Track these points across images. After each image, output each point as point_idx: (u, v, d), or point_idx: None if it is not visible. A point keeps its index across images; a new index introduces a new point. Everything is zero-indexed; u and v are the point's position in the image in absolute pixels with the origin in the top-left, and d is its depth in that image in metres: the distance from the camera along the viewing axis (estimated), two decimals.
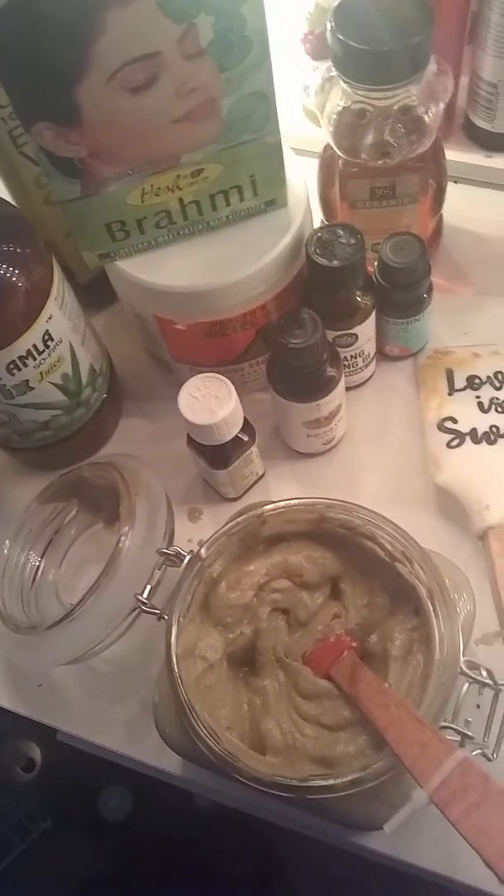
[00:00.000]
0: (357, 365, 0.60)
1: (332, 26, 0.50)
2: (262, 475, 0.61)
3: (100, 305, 0.67)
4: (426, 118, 0.54)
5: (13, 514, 0.61)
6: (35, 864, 1.21)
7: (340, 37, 0.50)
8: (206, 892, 1.16)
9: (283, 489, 0.61)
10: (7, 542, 0.57)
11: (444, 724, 0.42)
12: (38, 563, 0.57)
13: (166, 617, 0.46)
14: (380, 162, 0.55)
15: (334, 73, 0.53)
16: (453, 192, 0.64)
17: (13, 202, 0.58)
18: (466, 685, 0.43)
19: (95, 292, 0.63)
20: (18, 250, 0.49)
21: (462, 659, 0.43)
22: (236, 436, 0.54)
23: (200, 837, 1.18)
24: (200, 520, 0.61)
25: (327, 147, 0.59)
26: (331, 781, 0.41)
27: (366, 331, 0.57)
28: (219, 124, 0.48)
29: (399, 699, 0.43)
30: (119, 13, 0.41)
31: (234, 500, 0.61)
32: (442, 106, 0.55)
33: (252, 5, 0.42)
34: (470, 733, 0.41)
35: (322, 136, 0.59)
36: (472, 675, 0.43)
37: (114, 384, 0.63)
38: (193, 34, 0.42)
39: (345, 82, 0.53)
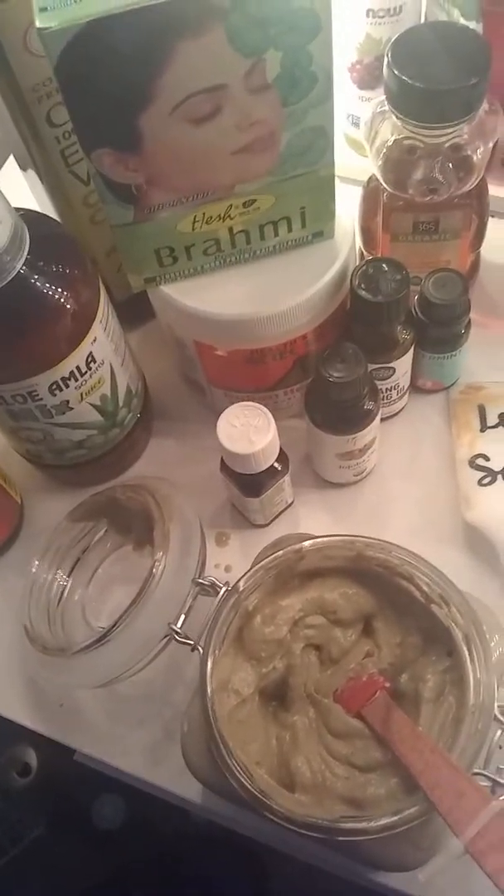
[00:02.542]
0: (391, 397, 0.60)
1: (388, 60, 0.50)
2: (291, 503, 0.61)
3: (133, 324, 0.67)
4: (475, 157, 0.54)
5: (40, 530, 0.61)
6: (26, 871, 1.21)
7: (396, 72, 0.50)
8: None
9: (311, 518, 0.61)
10: (35, 560, 0.57)
11: (476, 771, 0.42)
12: (65, 583, 0.57)
13: (200, 648, 0.46)
14: (427, 198, 0.55)
15: (386, 107, 0.53)
16: (491, 226, 0.63)
17: (58, 219, 0.57)
18: (500, 732, 0.43)
19: (130, 311, 0.63)
20: (68, 272, 0.48)
21: (496, 706, 0.43)
22: (271, 465, 0.54)
23: (194, 849, 1.18)
24: (228, 545, 0.61)
25: (372, 178, 0.59)
26: (364, 824, 0.41)
27: (403, 365, 0.57)
28: (276, 157, 0.48)
29: (433, 744, 0.42)
30: (188, 45, 0.41)
31: (263, 526, 0.61)
32: (491, 145, 0.55)
33: (320, 42, 0.42)
34: (502, 781, 0.41)
35: (365, 165, 0.59)
36: None
37: (147, 404, 0.63)
38: (261, 68, 0.42)
39: (397, 117, 0.53)
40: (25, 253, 0.46)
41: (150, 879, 1.18)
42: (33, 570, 0.56)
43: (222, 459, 0.55)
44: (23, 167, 0.61)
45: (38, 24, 0.38)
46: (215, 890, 1.16)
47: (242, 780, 0.42)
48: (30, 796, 1.24)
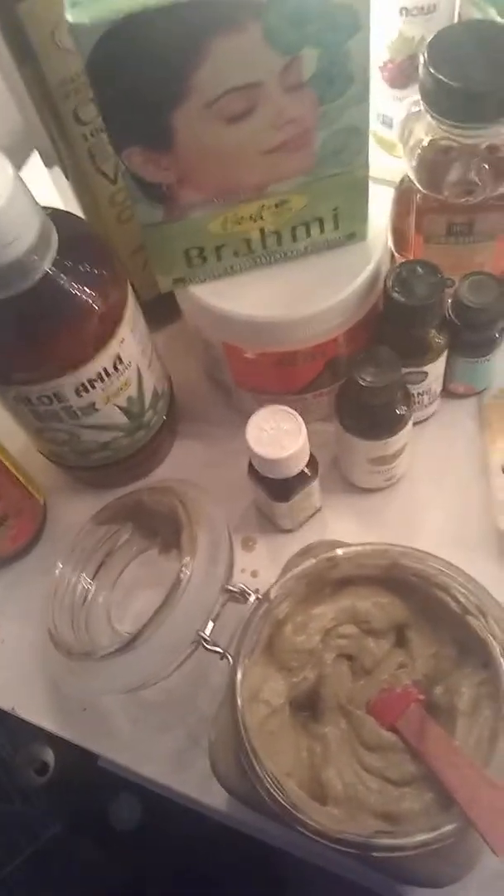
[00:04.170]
0: (423, 402, 0.59)
1: (424, 59, 0.49)
2: (319, 508, 0.60)
3: (159, 324, 0.66)
4: None
5: (63, 531, 0.61)
6: (42, 869, 1.21)
7: (433, 71, 0.49)
8: None
9: (339, 524, 0.60)
10: (59, 563, 0.56)
11: None
12: (89, 586, 0.56)
13: (229, 657, 0.45)
14: (462, 200, 0.54)
15: (421, 106, 0.52)
16: None
17: (84, 218, 0.57)
18: None
19: (155, 311, 0.62)
20: (96, 272, 0.48)
21: None
22: (301, 470, 0.53)
23: (210, 852, 1.17)
24: (254, 549, 0.60)
25: (405, 179, 0.57)
26: (399, 841, 0.40)
27: (436, 369, 0.56)
28: (310, 157, 0.47)
29: (470, 760, 0.41)
30: (224, 42, 0.39)
31: (290, 531, 0.60)
32: None
33: (359, 40, 0.41)
34: None
35: (395, 165, 0.58)
36: None
37: (172, 406, 0.62)
38: (297, 66, 0.41)
39: (433, 117, 0.51)
40: (53, 253, 0.45)
41: (166, 880, 1.17)
42: (57, 572, 0.56)
43: (250, 463, 0.54)
44: (48, 164, 0.60)
45: (69, 19, 0.37)
46: (231, 891, 1.15)
47: (274, 792, 0.41)
48: (47, 795, 1.24)
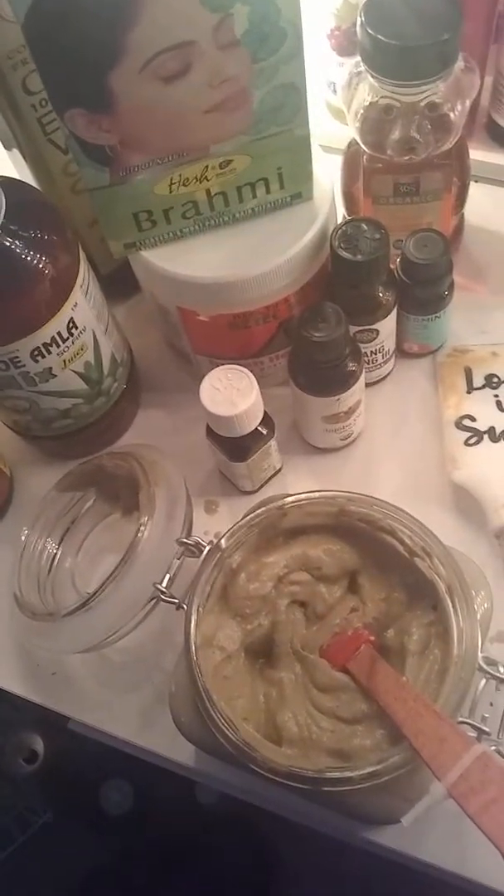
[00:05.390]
0: (377, 361, 0.60)
1: (362, 20, 0.50)
2: (280, 469, 0.61)
3: (121, 297, 0.67)
4: (452, 115, 0.54)
5: (31, 502, 0.62)
6: (35, 857, 1.22)
7: (370, 31, 0.50)
8: (206, 888, 1.16)
9: (300, 483, 0.61)
10: (25, 529, 0.57)
11: (460, 719, 0.42)
12: (55, 551, 0.57)
13: (185, 606, 0.46)
14: (405, 158, 0.55)
15: (362, 67, 0.53)
16: (475, 190, 0.63)
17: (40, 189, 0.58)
18: (483, 681, 0.43)
19: (117, 283, 0.63)
20: (46, 237, 0.49)
21: (480, 655, 0.43)
22: (256, 429, 0.54)
23: (201, 833, 1.18)
24: (217, 512, 0.61)
25: (352, 142, 0.59)
26: (347, 774, 0.41)
27: (387, 327, 0.57)
28: (249, 115, 0.48)
29: (417, 693, 0.43)
30: (156, 1, 0.41)
31: (251, 493, 0.61)
32: (468, 103, 0.55)
33: None
34: (487, 729, 0.41)
35: (347, 132, 0.59)
36: (490, 672, 0.43)
37: (133, 375, 0.63)
38: (229, 24, 0.42)
39: (373, 77, 0.52)
40: (1, 217, 0.46)
41: (158, 863, 1.18)
42: (23, 538, 0.57)
43: (208, 425, 0.55)
44: (7, 146, 0.61)
45: None
46: (223, 873, 1.16)
47: (227, 732, 0.42)
48: (37, 783, 1.25)
